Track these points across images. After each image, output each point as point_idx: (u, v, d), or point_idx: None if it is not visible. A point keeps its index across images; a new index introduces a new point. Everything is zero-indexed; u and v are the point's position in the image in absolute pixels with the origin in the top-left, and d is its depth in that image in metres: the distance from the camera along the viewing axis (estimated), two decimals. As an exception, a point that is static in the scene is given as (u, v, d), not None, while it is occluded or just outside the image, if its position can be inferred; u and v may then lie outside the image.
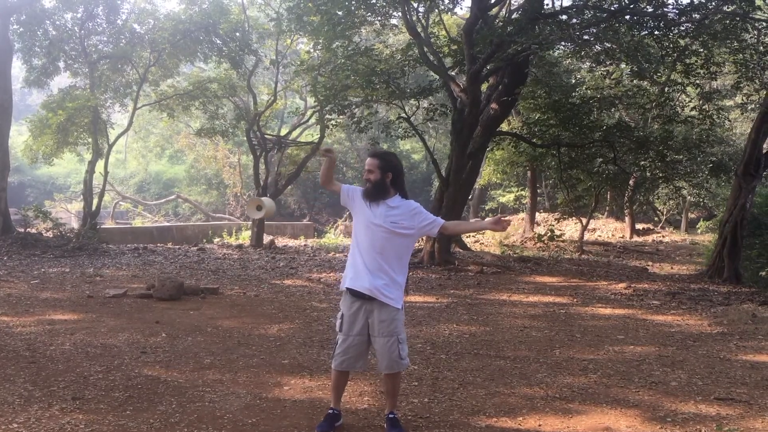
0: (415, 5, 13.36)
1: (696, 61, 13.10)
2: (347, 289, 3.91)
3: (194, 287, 9.22)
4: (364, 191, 3.92)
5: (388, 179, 3.88)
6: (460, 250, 15.50)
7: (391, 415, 3.97)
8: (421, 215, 3.91)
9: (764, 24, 12.19)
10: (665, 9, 11.80)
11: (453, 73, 14.38)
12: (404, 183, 4.00)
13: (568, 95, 15.14)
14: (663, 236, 24.54)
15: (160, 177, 38.83)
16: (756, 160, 12.24)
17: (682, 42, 13.00)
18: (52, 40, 16.94)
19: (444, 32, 14.81)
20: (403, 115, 14.34)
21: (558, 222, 20.56)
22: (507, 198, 28.75)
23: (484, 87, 14.44)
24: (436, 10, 14.00)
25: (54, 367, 5.21)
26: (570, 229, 22.98)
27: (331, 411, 3.99)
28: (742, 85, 13.44)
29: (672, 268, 15.36)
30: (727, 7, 11.56)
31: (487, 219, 4.13)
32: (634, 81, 14.63)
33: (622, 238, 23.73)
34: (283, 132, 20.65)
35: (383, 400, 4.29)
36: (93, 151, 17.72)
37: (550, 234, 18.18)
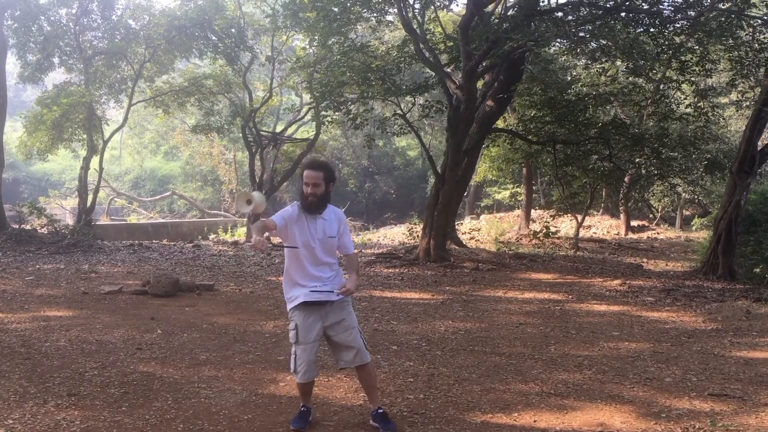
0: (411, 1, 13.35)
1: (691, 59, 13.12)
2: (303, 303, 3.91)
3: (190, 284, 9.22)
4: (307, 206, 3.89)
5: (330, 190, 3.96)
6: (456, 247, 15.50)
7: (380, 411, 3.99)
8: (346, 229, 4.06)
9: (759, 21, 12.22)
10: (661, 6, 11.83)
11: (449, 70, 14.37)
12: None
13: (564, 92, 15.14)
14: (658, 233, 24.56)
15: (156, 173, 38.73)
16: (751, 158, 12.26)
17: (677, 39, 13.01)
18: (46, 35, 16.89)
19: (440, 29, 14.80)
20: (399, 111, 14.32)
21: (553, 219, 20.57)
22: (502, 195, 28.77)
23: (479, 84, 14.44)
24: (432, 7, 13.98)
25: (49, 363, 5.21)
26: (565, 226, 22.99)
27: (303, 408, 4.06)
28: (737, 82, 13.45)
29: (667, 264, 15.39)
30: (722, 5, 11.58)
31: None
32: (630, 78, 14.65)
33: (617, 235, 23.75)
34: (279, 128, 20.65)
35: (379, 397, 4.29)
36: (88, 148, 17.69)
37: (545, 231, 18.22)
